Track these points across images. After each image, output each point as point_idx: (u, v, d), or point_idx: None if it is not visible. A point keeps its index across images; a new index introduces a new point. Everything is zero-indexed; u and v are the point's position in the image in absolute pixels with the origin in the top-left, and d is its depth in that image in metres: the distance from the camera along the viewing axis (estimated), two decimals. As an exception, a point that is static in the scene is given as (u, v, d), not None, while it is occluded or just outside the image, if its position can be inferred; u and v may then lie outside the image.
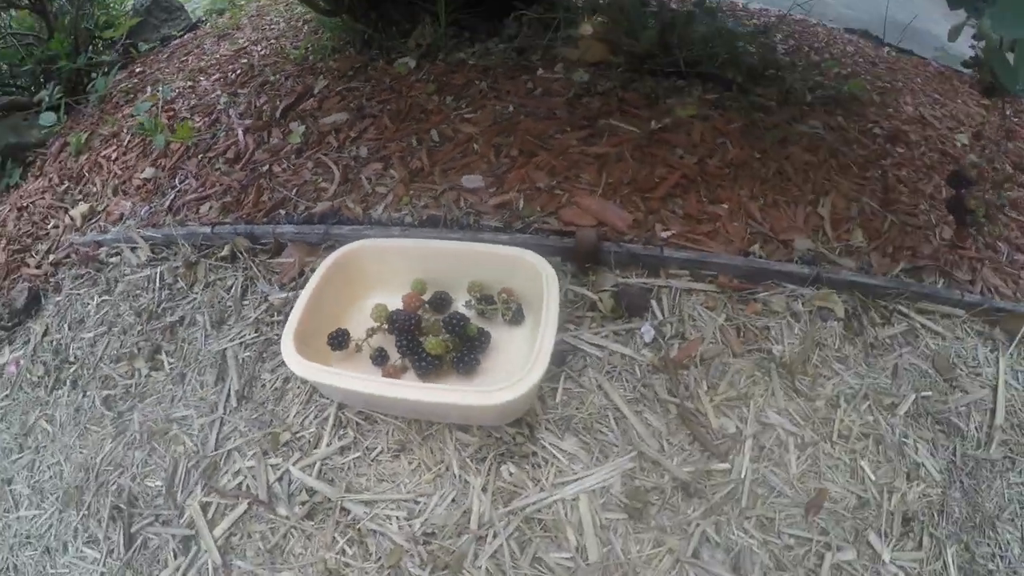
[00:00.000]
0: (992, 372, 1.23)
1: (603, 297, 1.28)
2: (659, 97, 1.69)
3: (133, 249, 1.70)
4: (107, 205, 1.94)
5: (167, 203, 1.76)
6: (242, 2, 2.81)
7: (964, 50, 2.36)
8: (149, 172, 1.92)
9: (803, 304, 1.29)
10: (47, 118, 2.48)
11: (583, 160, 1.47)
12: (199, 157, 1.83)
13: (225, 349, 1.35)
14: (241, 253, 1.53)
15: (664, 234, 1.36)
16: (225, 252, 1.54)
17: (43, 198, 2.17)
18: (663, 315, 1.27)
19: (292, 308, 1.17)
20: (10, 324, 1.72)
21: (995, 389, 1.21)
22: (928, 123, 1.95)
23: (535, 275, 1.15)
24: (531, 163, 1.46)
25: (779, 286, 1.32)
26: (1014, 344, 1.27)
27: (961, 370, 1.23)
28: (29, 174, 2.39)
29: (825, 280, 1.31)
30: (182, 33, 2.77)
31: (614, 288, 1.30)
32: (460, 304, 1.27)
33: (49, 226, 2.02)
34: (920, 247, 1.41)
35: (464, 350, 1.15)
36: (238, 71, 2.13)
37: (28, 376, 1.53)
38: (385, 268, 1.28)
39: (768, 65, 2.02)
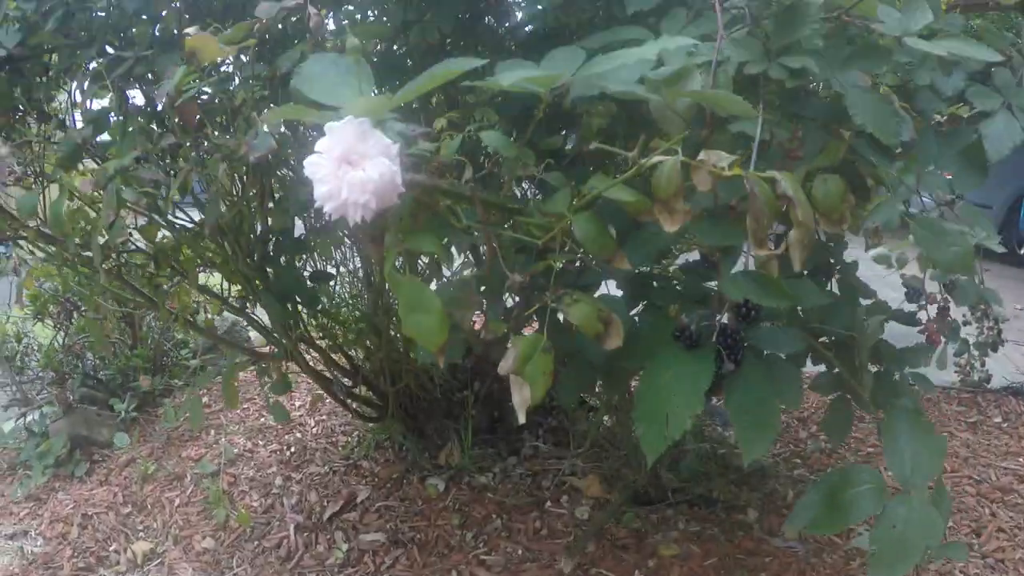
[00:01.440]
0: None
1: None
2: (647, 533, 2.02)
3: (192, 627, 1.99)
4: (166, 551, 2.26)
5: (225, 587, 2.07)
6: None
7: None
8: (209, 543, 2.24)
9: None
10: (120, 439, 2.84)
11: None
12: (255, 544, 2.16)
13: None
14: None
15: None
16: (273, 667, 1.83)
17: (107, 514, 2.49)
18: None
19: None
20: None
21: None
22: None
23: None
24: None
25: None
26: None
27: None
28: (95, 474, 2.72)
29: None
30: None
31: None
32: None
33: (111, 548, 2.32)
34: None
35: None
36: (292, 448, 2.52)
37: None
38: None
39: (753, 468, 2.36)
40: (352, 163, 0.74)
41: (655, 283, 1.24)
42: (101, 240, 1.77)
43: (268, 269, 1.79)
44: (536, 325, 0.98)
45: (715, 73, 0.98)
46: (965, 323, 2.92)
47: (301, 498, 2.27)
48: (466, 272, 0.97)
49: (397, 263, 0.97)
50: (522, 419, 0.84)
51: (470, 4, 1.38)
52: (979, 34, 1.47)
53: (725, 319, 1.02)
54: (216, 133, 1.24)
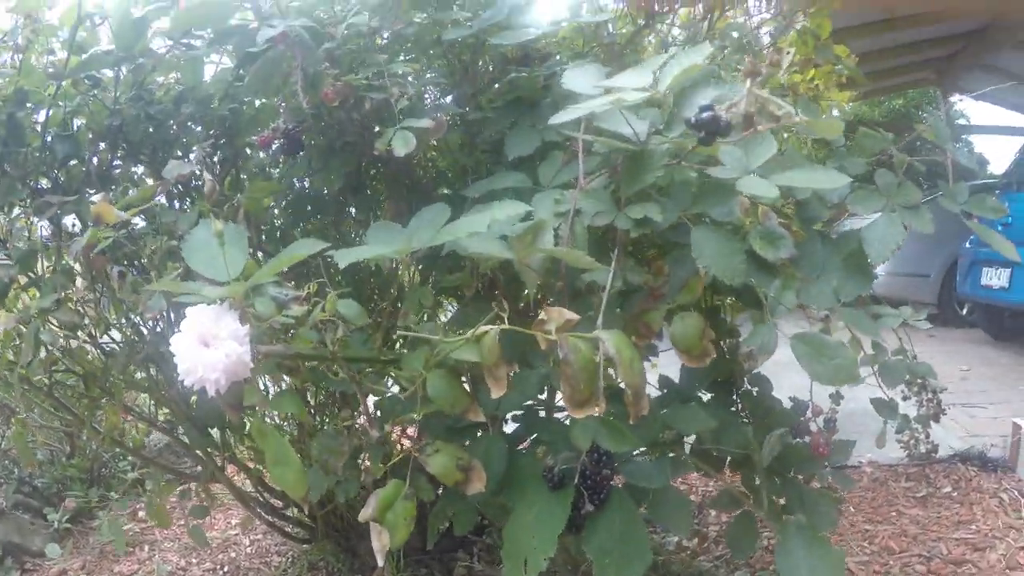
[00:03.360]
0: None
1: None
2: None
3: None
4: None
5: None
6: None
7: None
8: (135, 666, 2.21)
9: None
10: (52, 550, 2.79)
11: None
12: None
13: None
14: None
15: None
16: None
17: (36, 629, 2.44)
18: None
19: None
20: None
21: None
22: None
23: None
24: None
25: None
26: None
27: None
28: (25, 585, 2.66)
29: None
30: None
31: None
32: None
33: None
34: None
35: None
36: (226, 567, 2.50)
37: None
38: None
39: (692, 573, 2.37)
40: (207, 344, 0.82)
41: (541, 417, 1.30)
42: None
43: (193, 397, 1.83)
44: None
45: (572, 224, 1.06)
46: (904, 398, 2.99)
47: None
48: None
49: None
50: (380, 562, 0.89)
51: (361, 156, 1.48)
52: (860, 142, 1.53)
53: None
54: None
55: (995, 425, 3.63)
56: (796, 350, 1.14)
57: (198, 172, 1.20)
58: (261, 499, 2.16)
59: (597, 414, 0.81)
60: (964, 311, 6.66)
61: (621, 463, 1.17)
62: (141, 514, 3.00)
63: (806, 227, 1.38)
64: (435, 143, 1.61)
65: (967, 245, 5.79)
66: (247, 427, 1.98)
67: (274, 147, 1.36)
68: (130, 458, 3.21)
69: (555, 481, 1.05)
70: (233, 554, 2.61)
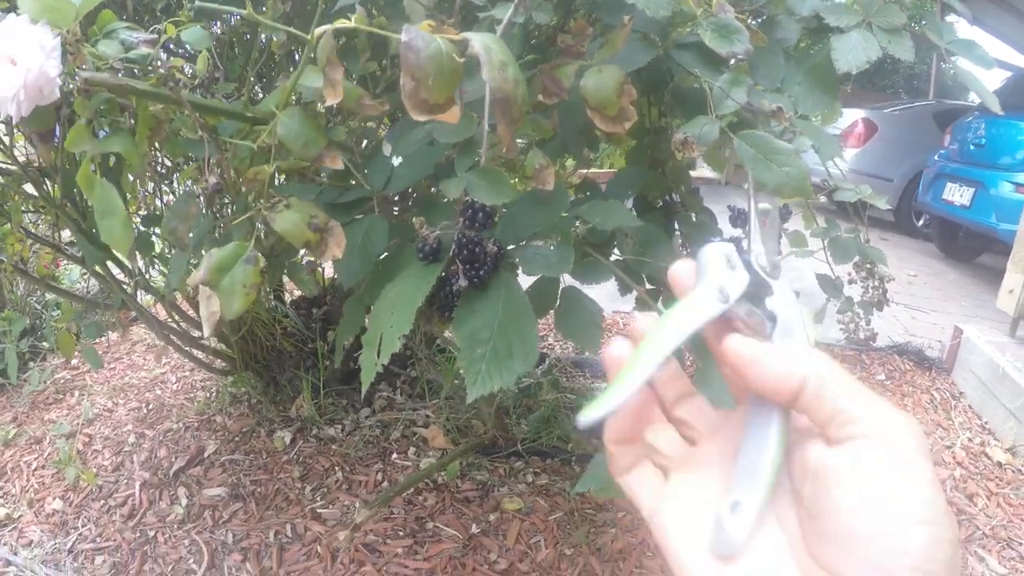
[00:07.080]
0: None
1: None
2: (492, 487, 2.02)
3: (34, 581, 1.94)
4: (22, 515, 2.20)
5: (69, 544, 2.02)
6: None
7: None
8: (58, 504, 2.19)
9: None
10: (-18, 406, 2.76)
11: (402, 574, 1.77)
12: (102, 502, 2.11)
13: None
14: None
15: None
16: (109, 618, 1.80)
17: (-33, 481, 2.42)
18: None
19: None
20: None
21: None
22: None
23: None
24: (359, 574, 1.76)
25: None
26: None
27: None
28: (-44, 442, 2.64)
29: None
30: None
31: None
32: None
33: (-30, 517, 2.26)
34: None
35: None
36: (151, 405, 2.47)
37: None
38: None
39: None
40: (14, 62, 0.72)
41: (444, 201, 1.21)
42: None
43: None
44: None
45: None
46: (850, 282, 2.98)
47: (151, 455, 2.23)
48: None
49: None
50: (207, 333, 0.81)
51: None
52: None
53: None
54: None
55: (934, 330, 3.73)
56: (742, 152, 1.01)
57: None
58: (178, 328, 2.10)
59: (451, 121, 0.71)
60: (920, 222, 6.66)
61: (518, 248, 1.07)
62: (74, 362, 2.95)
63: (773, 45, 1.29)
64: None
65: (935, 158, 5.75)
66: (154, 248, 1.91)
67: None
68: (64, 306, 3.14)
69: (426, 252, 0.96)
70: (159, 392, 2.58)
